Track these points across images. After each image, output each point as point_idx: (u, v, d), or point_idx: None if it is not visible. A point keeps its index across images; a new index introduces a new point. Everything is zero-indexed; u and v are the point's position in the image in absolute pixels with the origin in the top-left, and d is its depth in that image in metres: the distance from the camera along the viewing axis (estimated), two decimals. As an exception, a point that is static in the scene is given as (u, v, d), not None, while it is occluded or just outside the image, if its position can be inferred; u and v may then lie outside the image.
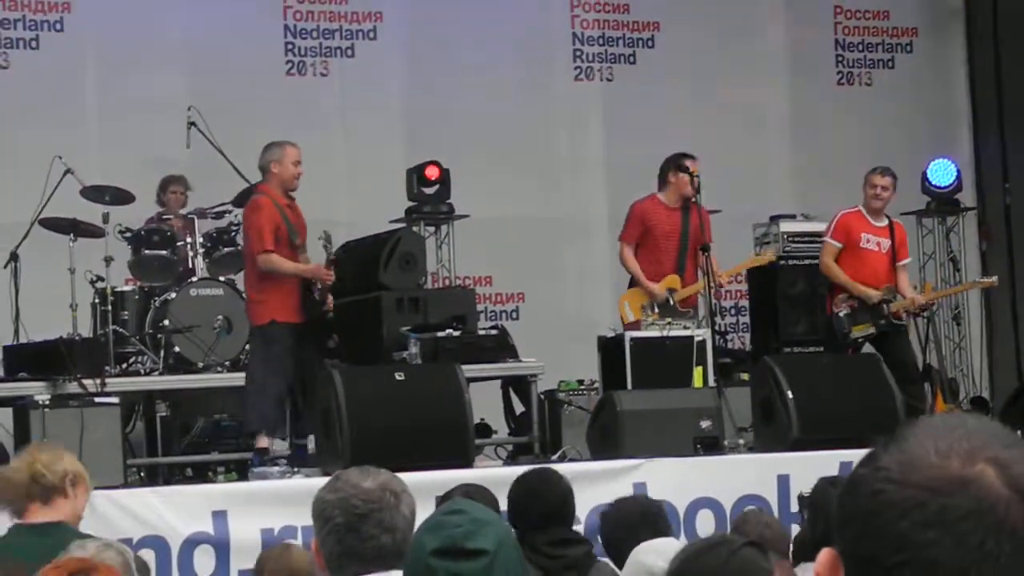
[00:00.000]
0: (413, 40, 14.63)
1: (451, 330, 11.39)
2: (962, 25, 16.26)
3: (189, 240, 11.84)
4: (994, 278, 13.59)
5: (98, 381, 10.43)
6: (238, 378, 11.07)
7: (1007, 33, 15.69)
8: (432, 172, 13.03)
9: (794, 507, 8.89)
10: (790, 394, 10.09)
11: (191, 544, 8.62)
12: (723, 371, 11.50)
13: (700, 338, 11.15)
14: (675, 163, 11.75)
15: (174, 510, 8.70)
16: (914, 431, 1.54)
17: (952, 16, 16.27)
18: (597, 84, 15.17)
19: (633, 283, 11.83)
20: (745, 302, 14.33)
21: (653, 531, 6.25)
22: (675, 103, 14.98)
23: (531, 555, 6.10)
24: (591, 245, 14.71)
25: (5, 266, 11.46)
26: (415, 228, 13.00)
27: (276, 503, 8.77)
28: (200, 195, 12.49)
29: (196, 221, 11.98)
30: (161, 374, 11.30)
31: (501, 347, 11.66)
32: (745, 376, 11.64)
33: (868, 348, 11.73)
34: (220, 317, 11.37)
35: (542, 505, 6.43)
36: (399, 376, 9.95)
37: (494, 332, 11.87)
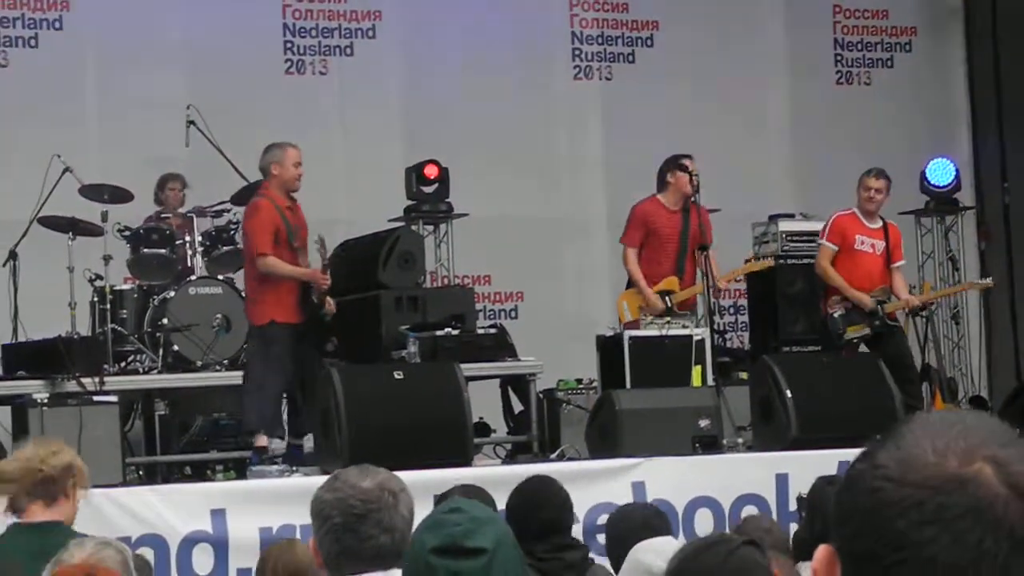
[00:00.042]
0: (412, 39, 14.62)
1: (450, 329, 11.39)
2: (961, 24, 16.26)
3: (188, 239, 11.84)
4: (990, 280, 13.60)
5: (97, 380, 10.43)
6: (237, 377, 11.07)
7: (1006, 32, 15.69)
8: (431, 171, 13.03)
9: (793, 506, 8.89)
10: (789, 393, 10.09)
11: (190, 543, 8.62)
12: (722, 370, 11.50)
13: (699, 337, 11.15)
14: (674, 163, 11.76)
15: (173, 509, 8.70)
16: (911, 428, 1.54)
17: (951, 15, 16.27)
18: (596, 83, 15.17)
19: (632, 283, 11.83)
20: (744, 301, 14.33)
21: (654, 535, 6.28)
22: (674, 102, 14.97)
23: (530, 560, 6.11)
24: (590, 244, 14.71)
25: (4, 264, 11.46)
26: (414, 227, 13.00)
27: (275, 502, 8.77)
28: (199, 194, 12.49)
29: (195, 220, 11.98)
30: (160, 373, 11.30)
31: (500, 346, 11.66)
32: (744, 375, 11.64)
33: (863, 349, 11.73)
34: (219, 316, 11.37)
35: (541, 517, 6.43)
36: (398, 375, 9.96)
37: (493, 331, 11.87)
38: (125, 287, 11.73)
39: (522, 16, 14.96)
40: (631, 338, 11.17)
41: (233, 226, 11.84)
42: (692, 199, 11.61)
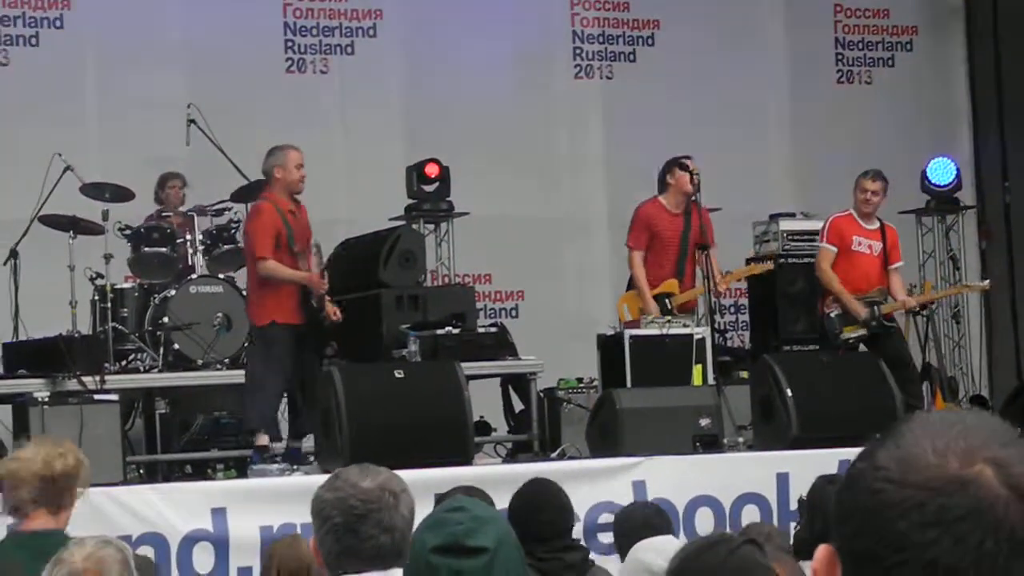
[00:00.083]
0: (413, 38, 14.62)
1: (450, 328, 11.39)
2: (962, 23, 16.26)
3: (189, 237, 11.84)
4: (987, 283, 13.60)
5: (97, 378, 10.43)
6: (237, 375, 11.08)
7: (1007, 31, 15.69)
8: (432, 170, 13.03)
9: (793, 505, 8.89)
10: (789, 392, 10.09)
11: (190, 541, 8.62)
12: (722, 369, 11.50)
13: (699, 336, 11.15)
14: (674, 162, 11.76)
15: (173, 507, 8.70)
16: (911, 428, 1.54)
17: (952, 14, 16.27)
18: (597, 82, 15.17)
19: (632, 284, 11.83)
20: (744, 300, 14.33)
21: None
22: (675, 101, 14.97)
23: (531, 561, 6.11)
24: (591, 243, 14.71)
25: (5, 263, 11.46)
26: (415, 226, 13.00)
27: (275, 500, 8.77)
28: (200, 192, 12.49)
29: (196, 218, 11.97)
30: (160, 371, 11.29)
31: (500, 345, 11.66)
32: (744, 374, 11.64)
33: (863, 349, 11.74)
34: (219, 314, 11.37)
35: (541, 520, 6.44)
36: (398, 374, 9.96)
37: (493, 330, 11.87)
38: (126, 286, 11.73)
39: (523, 15, 14.96)
40: (632, 337, 11.17)
41: (234, 225, 11.84)
42: (693, 198, 11.60)
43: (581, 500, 7.62)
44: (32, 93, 13.36)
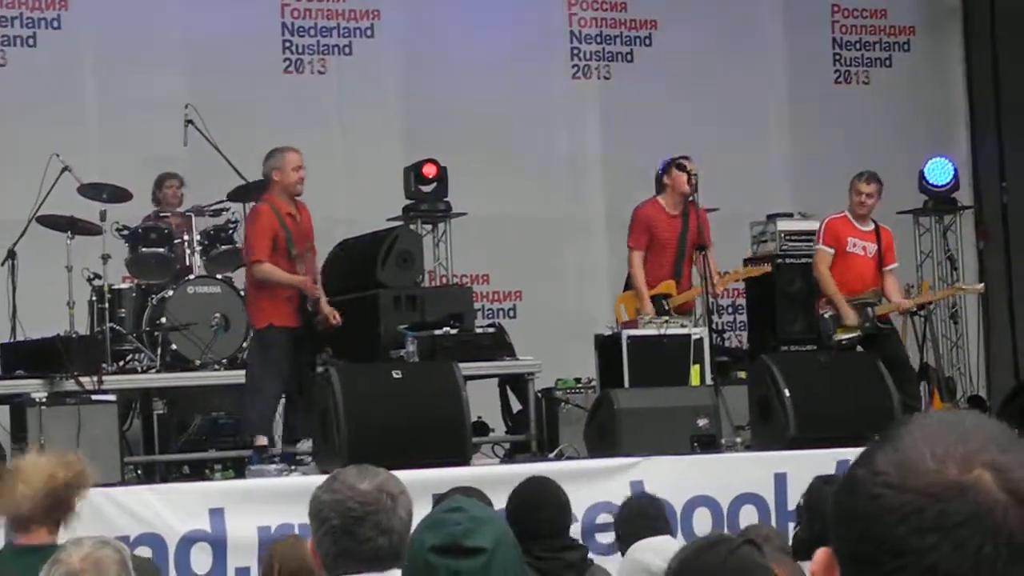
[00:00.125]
0: (411, 38, 14.62)
1: (448, 328, 11.39)
2: (959, 24, 16.26)
3: (187, 238, 11.83)
4: (981, 286, 13.60)
5: (95, 379, 10.43)
6: (235, 376, 11.08)
7: (1004, 32, 15.70)
8: (429, 170, 13.03)
9: (791, 506, 8.89)
10: (787, 392, 10.10)
11: (188, 542, 8.62)
12: (720, 369, 11.49)
13: (697, 336, 11.15)
14: (672, 163, 11.76)
15: (171, 508, 8.70)
16: (910, 432, 1.54)
17: (949, 15, 16.27)
18: (595, 82, 15.17)
19: (629, 285, 11.83)
20: (742, 300, 14.33)
21: (651, 529, 6.29)
22: (673, 102, 14.98)
23: (529, 560, 6.11)
24: (589, 243, 14.71)
25: (2, 263, 11.45)
26: (412, 226, 13.00)
27: (273, 501, 8.77)
28: (198, 193, 12.49)
29: (194, 219, 11.97)
30: (158, 372, 11.29)
31: (498, 345, 11.66)
32: (742, 374, 11.64)
33: (860, 350, 11.74)
34: (217, 315, 11.36)
35: (539, 518, 6.44)
36: (396, 374, 9.96)
37: (491, 330, 11.87)
38: (123, 286, 11.72)
39: (521, 15, 14.97)
40: (629, 337, 11.16)
41: (232, 225, 11.84)
42: (690, 199, 11.60)
43: (579, 500, 7.61)
44: (30, 94, 13.35)
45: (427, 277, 12.75)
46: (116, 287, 11.55)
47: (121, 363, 11.47)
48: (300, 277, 10.26)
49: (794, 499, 8.77)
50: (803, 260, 12.60)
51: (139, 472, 10.89)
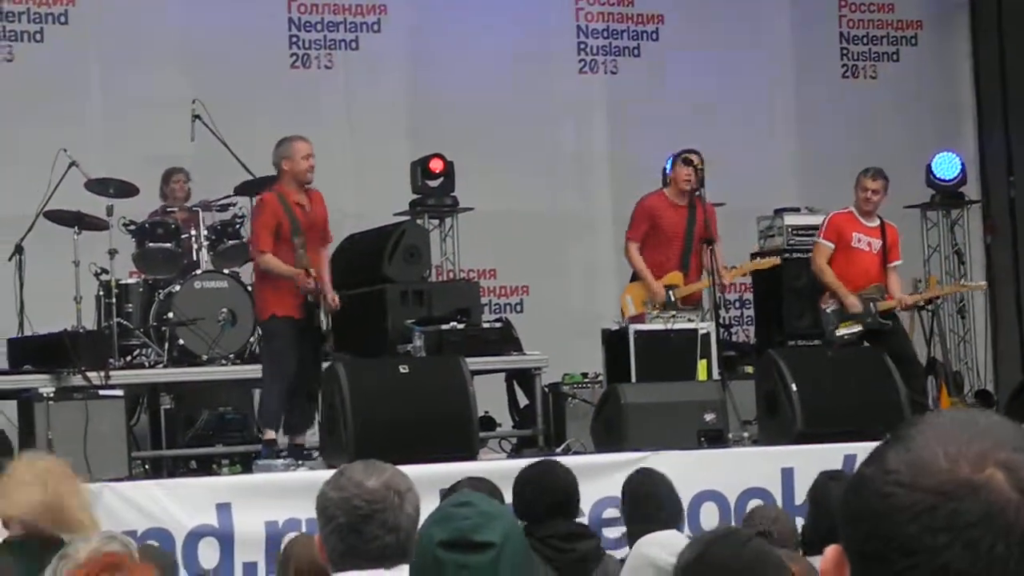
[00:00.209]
0: (417, 33, 14.62)
1: (455, 323, 11.39)
2: (967, 18, 16.25)
3: (193, 233, 11.83)
4: (983, 283, 13.58)
5: (102, 374, 10.44)
6: (242, 371, 11.09)
7: (1012, 26, 15.68)
8: (436, 165, 13.03)
9: (798, 500, 8.88)
10: (794, 387, 10.09)
11: (195, 536, 8.62)
12: (727, 364, 11.50)
13: (704, 331, 11.15)
14: (677, 156, 11.77)
15: (178, 503, 8.70)
16: (921, 431, 1.53)
17: (957, 9, 16.26)
18: (602, 77, 15.16)
19: (635, 277, 11.83)
20: (749, 295, 14.32)
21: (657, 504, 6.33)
22: (680, 96, 14.97)
23: (541, 548, 6.12)
24: (595, 238, 14.71)
25: (10, 259, 11.47)
26: (419, 221, 13.01)
27: (280, 495, 8.77)
28: (205, 188, 12.49)
29: (200, 214, 11.97)
30: (165, 367, 11.29)
31: (505, 340, 11.67)
32: (749, 369, 11.64)
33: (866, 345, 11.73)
34: (224, 310, 11.36)
35: (547, 496, 6.45)
36: (403, 369, 9.95)
37: (498, 325, 11.88)
38: (131, 281, 11.73)
39: (527, 10, 14.96)
40: (636, 332, 11.17)
41: (239, 220, 11.84)
42: (697, 193, 11.60)
43: (586, 495, 7.59)
44: (37, 89, 13.35)
45: (434, 272, 12.75)
46: (123, 282, 11.56)
47: (128, 358, 11.48)
48: (295, 269, 10.22)
49: (801, 494, 8.77)
50: (810, 255, 12.58)
51: (146, 467, 10.91)
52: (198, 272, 11.57)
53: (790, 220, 13.13)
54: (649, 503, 6.45)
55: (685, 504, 9.17)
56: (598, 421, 10.35)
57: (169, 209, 12.28)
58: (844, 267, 11.72)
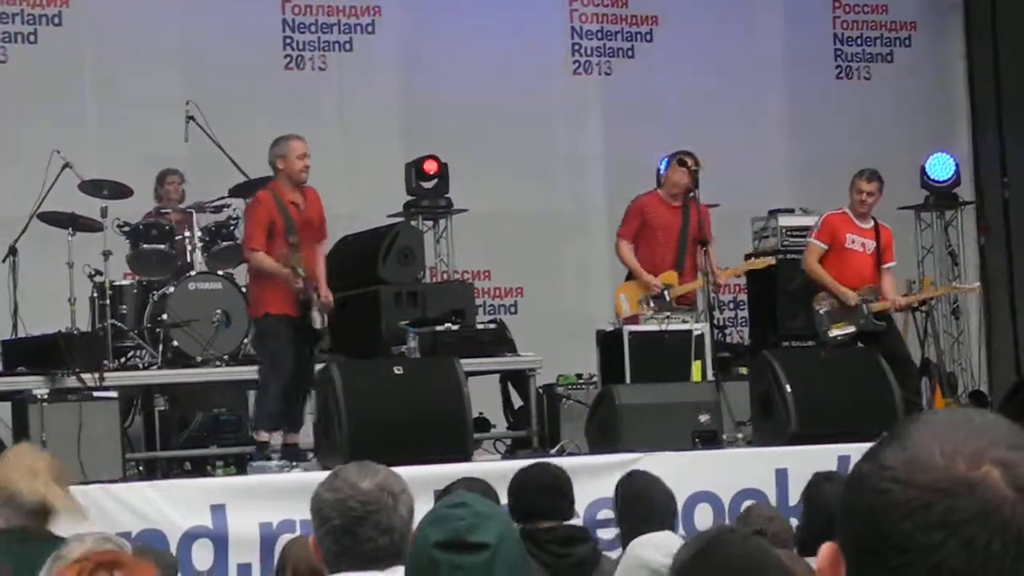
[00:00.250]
0: (411, 34, 14.62)
1: (449, 324, 11.40)
2: (961, 19, 16.26)
3: (188, 234, 11.83)
4: (976, 284, 13.58)
5: (96, 375, 10.43)
6: (237, 372, 11.09)
7: (1006, 27, 15.69)
8: (430, 166, 13.03)
9: (792, 501, 8.89)
10: (788, 388, 10.10)
11: (190, 538, 8.62)
12: (722, 365, 11.51)
13: (699, 332, 11.16)
14: (674, 157, 11.78)
15: (172, 504, 8.70)
16: (917, 429, 1.54)
17: (951, 10, 16.27)
18: (596, 78, 15.17)
19: (630, 276, 11.84)
20: (744, 296, 14.33)
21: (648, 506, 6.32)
22: (674, 97, 14.97)
23: (538, 553, 6.11)
24: (589, 239, 14.70)
25: (4, 260, 11.46)
26: (413, 222, 13.01)
27: (274, 497, 8.77)
28: (199, 189, 12.48)
29: (195, 215, 11.96)
30: (159, 368, 11.28)
31: (500, 341, 11.67)
32: (744, 370, 11.65)
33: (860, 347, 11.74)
34: (218, 311, 11.36)
35: (542, 498, 6.45)
36: (398, 370, 9.96)
37: (492, 326, 11.88)
38: (125, 283, 11.72)
39: (521, 11, 14.96)
40: (631, 333, 11.17)
41: (233, 221, 11.84)
42: (691, 194, 11.61)
43: (580, 496, 7.60)
44: (31, 90, 13.35)
45: (428, 273, 12.75)
46: (117, 283, 11.55)
47: (122, 359, 11.48)
48: (285, 270, 10.21)
49: (795, 495, 8.78)
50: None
51: (141, 468, 10.90)
52: (192, 273, 11.57)
53: (784, 221, 13.14)
54: (641, 505, 6.45)
55: (679, 505, 9.21)
56: (592, 422, 10.35)
57: (163, 211, 12.27)
58: (838, 268, 11.72)
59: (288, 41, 14.34)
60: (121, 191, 11.63)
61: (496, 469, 8.83)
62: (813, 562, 1.67)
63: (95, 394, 10.01)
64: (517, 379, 11.76)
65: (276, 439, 10.40)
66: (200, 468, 11.17)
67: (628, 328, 11.25)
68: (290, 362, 10.19)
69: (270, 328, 10.29)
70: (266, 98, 13.84)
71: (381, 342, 11.46)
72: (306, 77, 14.33)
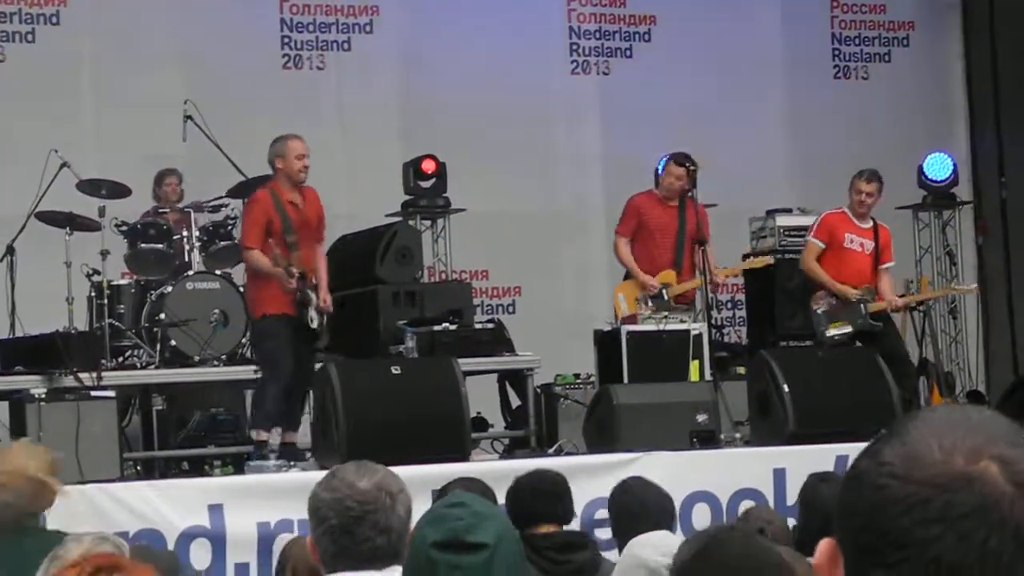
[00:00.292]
0: (409, 34, 14.62)
1: (447, 324, 11.39)
2: (959, 19, 16.26)
3: (185, 234, 11.82)
4: (974, 286, 13.59)
5: (94, 375, 10.42)
6: (234, 372, 11.08)
7: (1003, 27, 15.69)
8: (428, 166, 13.03)
9: (790, 501, 8.89)
10: (786, 388, 10.10)
11: (187, 538, 8.62)
12: (719, 365, 11.50)
13: (697, 332, 11.16)
14: (672, 157, 11.79)
15: (170, 504, 8.70)
16: (916, 425, 1.54)
17: (949, 10, 16.27)
18: (594, 78, 15.17)
19: (628, 276, 11.85)
20: (742, 296, 14.33)
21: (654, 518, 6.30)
22: (672, 97, 14.97)
23: (536, 559, 6.10)
24: (588, 239, 14.70)
25: (1, 259, 11.44)
26: (411, 222, 13.00)
27: (272, 496, 8.77)
28: (197, 189, 12.48)
29: (192, 215, 11.96)
30: (157, 368, 11.27)
31: (497, 341, 11.67)
32: (741, 370, 11.65)
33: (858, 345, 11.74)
34: (216, 311, 11.36)
35: (539, 506, 6.44)
36: (395, 370, 9.95)
37: (490, 326, 11.88)
38: (122, 282, 11.71)
39: (520, 10, 14.96)
40: (629, 333, 11.17)
41: (231, 221, 11.83)
42: (689, 194, 11.62)
43: (578, 496, 7.59)
44: (29, 90, 13.34)
45: (426, 273, 12.75)
46: (115, 283, 11.55)
47: (120, 359, 11.47)
48: (278, 269, 10.20)
49: (793, 495, 8.77)
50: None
51: (138, 468, 10.90)
52: (190, 273, 11.56)
53: (782, 221, 13.14)
54: (637, 518, 6.41)
55: (677, 505, 9.21)
56: (590, 422, 10.35)
57: (161, 210, 12.26)
58: (836, 267, 11.72)
59: (286, 41, 14.34)
60: (119, 190, 11.62)
61: (494, 469, 8.83)
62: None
63: (93, 394, 10.00)
64: (515, 379, 11.76)
65: (274, 439, 10.40)
66: (198, 468, 11.17)
67: (626, 328, 11.25)
68: (289, 362, 10.18)
69: (268, 329, 10.29)
70: (264, 98, 13.83)
71: (379, 342, 11.46)
72: (304, 77, 14.33)
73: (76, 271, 11.25)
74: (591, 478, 9.03)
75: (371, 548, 3.54)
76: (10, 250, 11.40)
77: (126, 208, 11.88)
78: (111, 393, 10.03)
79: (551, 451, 10.70)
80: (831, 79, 15.87)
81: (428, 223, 13.39)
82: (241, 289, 11.19)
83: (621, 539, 6.44)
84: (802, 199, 13.88)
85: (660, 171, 12.01)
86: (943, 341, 14.09)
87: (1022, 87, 15.54)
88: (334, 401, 9.46)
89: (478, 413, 11.24)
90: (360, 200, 13.54)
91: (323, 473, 3.77)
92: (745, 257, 12.87)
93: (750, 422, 10.56)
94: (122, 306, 11.50)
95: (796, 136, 15.50)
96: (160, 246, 11.73)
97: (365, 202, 13.39)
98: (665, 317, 11.30)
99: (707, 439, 10.11)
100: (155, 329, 11.35)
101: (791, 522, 7.00)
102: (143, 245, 11.70)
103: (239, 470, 10.38)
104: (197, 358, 11.27)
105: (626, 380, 10.87)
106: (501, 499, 6.46)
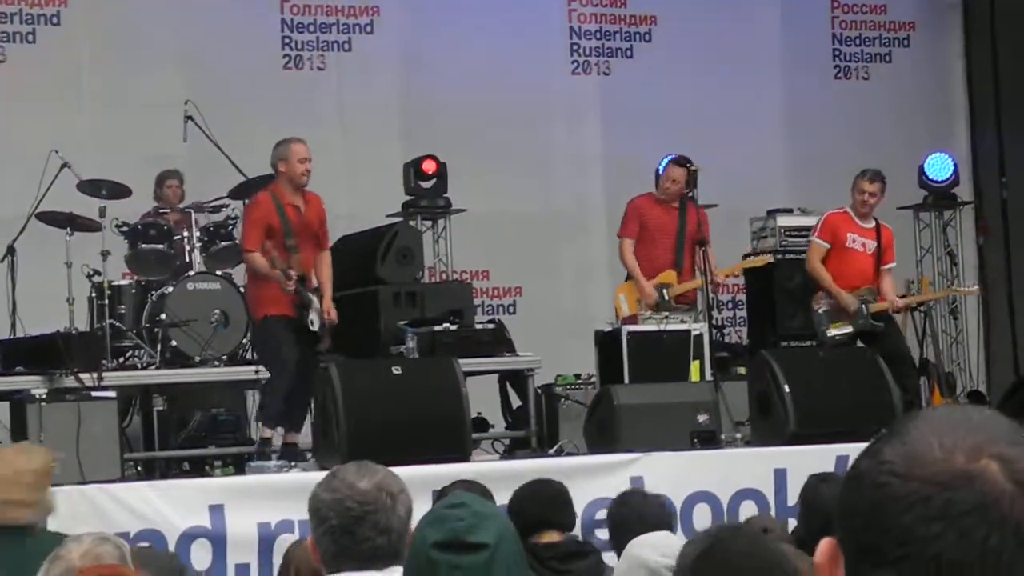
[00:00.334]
0: (410, 34, 14.62)
1: (448, 324, 11.39)
2: (959, 19, 16.26)
3: (186, 234, 11.82)
4: (975, 287, 13.59)
5: (95, 375, 10.42)
6: (235, 372, 11.08)
7: (1004, 27, 15.69)
8: (429, 166, 13.03)
9: (791, 502, 8.89)
10: (787, 388, 10.09)
11: (188, 538, 8.61)
12: (720, 365, 11.50)
13: (697, 332, 11.16)
14: (672, 159, 11.80)
15: (171, 504, 8.70)
16: (917, 424, 1.54)
17: (949, 10, 16.27)
18: (594, 78, 15.17)
19: (629, 276, 11.85)
20: (742, 296, 14.33)
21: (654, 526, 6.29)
22: (672, 97, 14.97)
23: (539, 568, 6.09)
24: (588, 239, 14.71)
25: (2, 260, 11.44)
26: (412, 222, 13.00)
27: (273, 497, 8.77)
28: (197, 189, 12.48)
29: (193, 215, 11.96)
30: (158, 368, 11.27)
31: (498, 341, 11.67)
32: (742, 370, 11.64)
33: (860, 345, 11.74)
34: (217, 311, 11.36)
35: (541, 514, 6.44)
36: (396, 370, 9.95)
37: (491, 326, 11.88)
38: (123, 282, 11.71)
39: (520, 11, 14.96)
40: (629, 333, 11.17)
41: (231, 221, 11.83)
42: (689, 195, 11.63)
43: (578, 496, 7.61)
44: (29, 90, 13.34)
45: (427, 273, 12.75)
46: (116, 283, 11.55)
47: (121, 359, 11.47)
48: (276, 271, 10.20)
49: (794, 495, 8.77)
50: (803, 256, 12.58)
51: (139, 468, 10.90)
52: (191, 273, 11.56)
53: (783, 221, 13.14)
54: (634, 533, 6.40)
55: (677, 505, 9.22)
56: (591, 422, 10.35)
57: (162, 210, 12.26)
58: (838, 267, 11.72)
59: (287, 41, 14.34)
60: (119, 191, 11.62)
61: (494, 469, 8.84)
62: (811, 562, 1.67)
63: (93, 394, 10.00)
64: (516, 379, 11.76)
65: (277, 439, 10.40)
66: (198, 468, 11.17)
67: (627, 328, 11.25)
68: (293, 361, 10.19)
69: (271, 330, 10.29)
70: (265, 98, 13.84)
71: (379, 342, 11.46)
72: (305, 77, 14.33)
73: (77, 271, 11.25)
74: (592, 479, 9.04)
75: (371, 548, 3.54)
76: (11, 250, 11.40)
77: (126, 208, 11.88)
78: (112, 393, 10.03)
79: (552, 451, 10.70)
80: (831, 79, 15.87)
81: (429, 223, 13.39)
82: (242, 290, 11.19)
83: (619, 552, 6.43)
84: (802, 199, 13.88)
85: (661, 172, 12.01)
86: (944, 341, 14.09)
87: (1023, 87, 15.54)
88: (335, 401, 9.45)
89: (479, 413, 11.24)
90: (360, 200, 13.54)
91: (324, 474, 3.77)
92: (746, 257, 12.87)
93: (751, 422, 10.56)
94: (123, 306, 11.50)
95: (796, 136, 15.49)
96: (161, 246, 11.73)
97: (365, 202, 13.39)
98: (666, 317, 11.30)
99: (708, 439, 10.10)
100: (156, 329, 11.35)
101: (791, 523, 7.00)
102: (144, 245, 11.70)
103: (240, 470, 10.38)
104: (198, 358, 11.27)
105: (627, 380, 10.87)
106: (501, 500, 6.45)
